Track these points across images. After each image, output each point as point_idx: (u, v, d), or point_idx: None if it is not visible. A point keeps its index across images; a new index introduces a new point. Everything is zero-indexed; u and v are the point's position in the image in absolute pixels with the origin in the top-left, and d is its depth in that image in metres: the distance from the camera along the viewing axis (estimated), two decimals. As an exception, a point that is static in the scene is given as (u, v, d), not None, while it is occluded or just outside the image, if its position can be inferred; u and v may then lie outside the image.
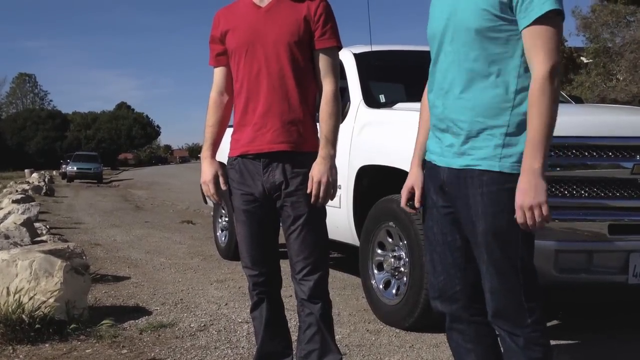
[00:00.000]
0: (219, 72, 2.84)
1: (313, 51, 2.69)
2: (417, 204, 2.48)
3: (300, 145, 2.68)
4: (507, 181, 2.09)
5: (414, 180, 2.50)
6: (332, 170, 2.67)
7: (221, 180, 2.80)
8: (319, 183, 2.63)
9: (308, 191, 2.64)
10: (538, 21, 2.03)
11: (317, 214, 2.72)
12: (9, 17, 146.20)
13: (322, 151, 2.66)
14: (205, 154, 2.84)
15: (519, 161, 2.08)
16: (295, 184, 2.67)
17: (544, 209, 2.01)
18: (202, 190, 2.87)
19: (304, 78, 2.68)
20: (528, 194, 2.01)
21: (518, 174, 2.07)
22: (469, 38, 2.14)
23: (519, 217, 2.05)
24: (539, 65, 2.03)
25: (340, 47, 2.74)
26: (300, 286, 2.73)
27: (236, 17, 2.73)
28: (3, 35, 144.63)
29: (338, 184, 5.08)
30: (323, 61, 2.69)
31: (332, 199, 2.70)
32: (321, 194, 2.63)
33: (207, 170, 2.80)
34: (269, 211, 2.75)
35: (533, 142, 2.02)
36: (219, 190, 2.82)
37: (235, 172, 2.76)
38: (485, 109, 2.13)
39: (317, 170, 2.64)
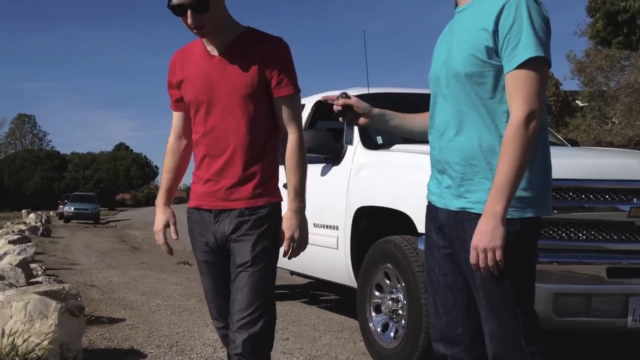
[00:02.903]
0: (177, 117, 2.72)
1: (272, 99, 2.52)
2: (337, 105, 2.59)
3: (253, 201, 2.51)
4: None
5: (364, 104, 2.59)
6: (304, 223, 2.54)
7: (172, 229, 2.65)
8: (291, 239, 2.51)
9: (285, 249, 2.51)
10: (520, 66, 2.05)
11: (263, 263, 2.49)
12: (10, 58, 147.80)
13: (292, 204, 2.52)
14: (159, 201, 2.72)
15: (513, 206, 2.08)
16: (244, 230, 2.50)
17: (498, 254, 2.02)
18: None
19: (262, 131, 2.52)
20: (485, 237, 2.03)
21: (513, 219, 2.07)
22: (460, 82, 2.17)
23: (472, 257, 2.07)
24: (516, 110, 2.04)
25: (299, 92, 2.57)
26: (235, 338, 2.46)
27: (191, 66, 2.57)
28: (4, 76, 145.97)
29: (335, 224, 5.13)
30: (283, 110, 2.53)
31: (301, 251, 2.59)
32: (294, 250, 2.53)
33: (158, 219, 2.68)
34: (228, 260, 2.59)
35: (498, 186, 2.03)
36: (169, 240, 2.67)
37: (193, 222, 2.63)
38: (477, 153, 2.15)
39: (288, 225, 2.51)
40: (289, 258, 2.56)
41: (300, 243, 2.53)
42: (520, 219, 2.10)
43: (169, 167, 2.72)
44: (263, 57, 2.48)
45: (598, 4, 21.31)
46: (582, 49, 24.58)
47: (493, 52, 2.10)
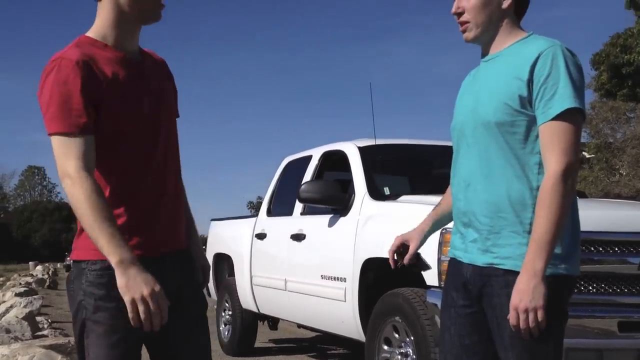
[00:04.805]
0: (89, 142, 1.90)
1: None
2: (405, 260, 2.40)
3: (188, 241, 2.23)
4: None
5: (411, 236, 2.43)
6: None
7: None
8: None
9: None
10: (557, 118, 1.98)
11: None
12: (20, 112, 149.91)
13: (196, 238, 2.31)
14: (131, 256, 1.83)
15: None
16: (191, 275, 2.20)
17: (540, 315, 1.94)
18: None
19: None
20: (526, 296, 1.93)
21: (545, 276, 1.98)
22: (490, 132, 2.09)
23: (512, 318, 1.97)
24: (554, 163, 1.97)
25: None
26: None
27: (112, 71, 1.94)
28: (15, 129, 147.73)
29: (342, 276, 5.09)
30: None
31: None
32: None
33: (152, 280, 1.84)
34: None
35: (539, 242, 1.94)
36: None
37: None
38: (505, 205, 2.06)
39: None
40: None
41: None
42: (552, 276, 2.00)
43: (109, 211, 1.87)
44: (171, 78, 2.19)
45: (602, 57, 21.52)
46: (588, 101, 24.75)
47: (527, 101, 2.03)
